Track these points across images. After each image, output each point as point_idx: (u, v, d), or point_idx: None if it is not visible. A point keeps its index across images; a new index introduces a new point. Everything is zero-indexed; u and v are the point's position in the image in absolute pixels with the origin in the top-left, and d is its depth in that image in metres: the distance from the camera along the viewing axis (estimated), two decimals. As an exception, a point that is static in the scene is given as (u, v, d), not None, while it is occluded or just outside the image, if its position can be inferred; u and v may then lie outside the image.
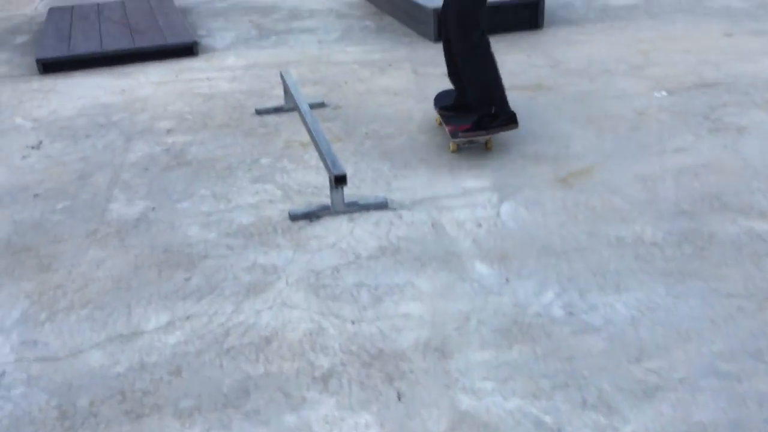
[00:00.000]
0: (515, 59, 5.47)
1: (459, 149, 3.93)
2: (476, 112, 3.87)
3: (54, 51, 5.96)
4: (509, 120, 3.83)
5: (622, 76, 4.92)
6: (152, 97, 5.09)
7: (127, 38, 6.29)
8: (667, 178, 3.46)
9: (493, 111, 3.85)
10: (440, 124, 4.23)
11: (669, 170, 3.55)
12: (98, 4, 7.74)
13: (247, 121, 4.55)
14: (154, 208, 3.47)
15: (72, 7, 7.63)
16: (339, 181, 3.13)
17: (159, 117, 4.69)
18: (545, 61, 5.40)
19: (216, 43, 6.51)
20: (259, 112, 4.67)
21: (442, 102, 4.28)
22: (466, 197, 3.41)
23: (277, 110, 4.69)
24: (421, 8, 6.25)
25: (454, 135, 3.84)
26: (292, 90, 4.22)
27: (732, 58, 5.16)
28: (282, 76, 4.59)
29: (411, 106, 4.66)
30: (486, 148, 3.93)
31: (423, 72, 5.34)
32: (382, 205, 3.35)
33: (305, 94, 4.93)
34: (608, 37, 5.98)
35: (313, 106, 4.71)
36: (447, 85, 5.02)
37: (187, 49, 6.10)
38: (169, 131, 4.43)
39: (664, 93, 4.54)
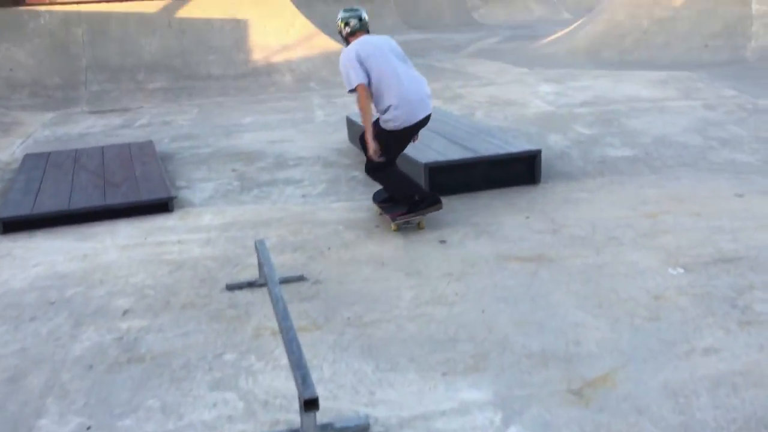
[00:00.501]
0: (513, 222, 5.06)
1: (400, 229, 5.05)
2: (405, 202, 5.02)
3: (17, 209, 5.55)
4: (433, 202, 5.00)
5: (631, 247, 4.49)
6: (115, 265, 4.61)
7: (99, 193, 5.90)
8: (702, 393, 2.93)
9: (416, 198, 5.00)
10: (381, 214, 5.32)
11: (702, 380, 3.02)
12: (77, 150, 7.43)
13: (215, 299, 4.06)
14: (89, 428, 2.90)
15: (49, 154, 7.32)
16: (310, 405, 2.59)
17: (117, 292, 4.19)
18: (545, 224, 4.99)
19: (194, 196, 6.13)
20: (230, 288, 4.19)
21: (379, 197, 5.37)
22: (464, 417, 2.86)
23: (250, 285, 4.20)
24: (411, 161, 5.92)
25: (393, 219, 5.01)
26: (266, 269, 3.75)
27: (749, 225, 4.75)
28: (256, 247, 4.13)
29: (399, 281, 4.18)
30: (419, 228, 5.06)
31: (413, 237, 4.91)
32: (362, 429, 2.80)
33: (283, 264, 4.48)
34: (611, 195, 5.61)
35: (290, 280, 4.24)
36: (441, 250, 4.60)
37: (162, 206, 5.70)
38: (125, 313, 3.92)
39: (680, 270, 4.09)
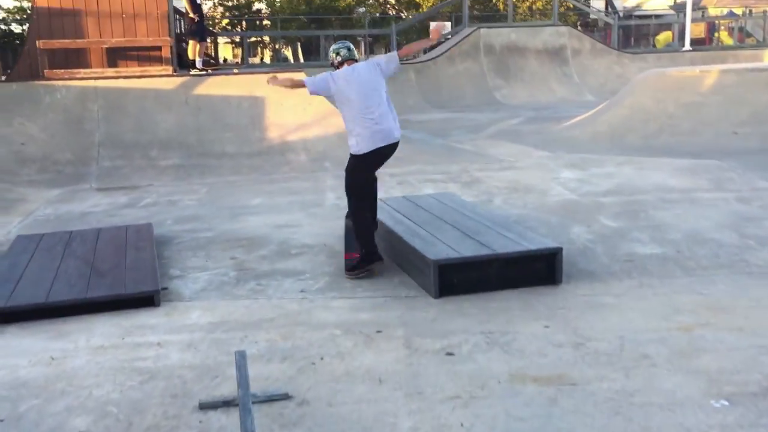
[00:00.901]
0: (530, 331, 4.52)
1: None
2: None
3: (-11, 300, 5.12)
4: (374, 259, 5.77)
5: (666, 369, 3.92)
6: (81, 372, 4.12)
7: (84, 283, 5.47)
8: None
9: (362, 251, 5.72)
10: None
11: None
12: (71, 233, 7.05)
13: (184, 421, 3.54)
14: None
15: (41, 236, 6.95)
16: None
17: (77, 408, 3.69)
18: (567, 335, 4.45)
19: (186, 288, 5.68)
20: (203, 407, 3.67)
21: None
22: None
23: (226, 404, 3.68)
24: (420, 257, 5.45)
25: (347, 270, 5.84)
26: (241, 393, 3.24)
27: (800, 344, 4.18)
28: (236, 361, 3.63)
29: (397, 404, 3.64)
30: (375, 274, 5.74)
31: (417, 345, 4.38)
32: None
33: (268, 376, 3.97)
34: (640, 301, 5.07)
35: (273, 399, 3.72)
36: (447, 365, 4.07)
37: (148, 300, 5.25)
38: (79, 437, 3.42)
39: (724, 402, 3.51)
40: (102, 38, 13.89)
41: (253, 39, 46.22)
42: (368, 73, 5.73)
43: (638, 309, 4.90)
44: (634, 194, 8.33)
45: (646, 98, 13.42)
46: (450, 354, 4.24)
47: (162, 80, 12.80)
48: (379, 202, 6.55)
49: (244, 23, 44.01)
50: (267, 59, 48.66)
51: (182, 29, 15.89)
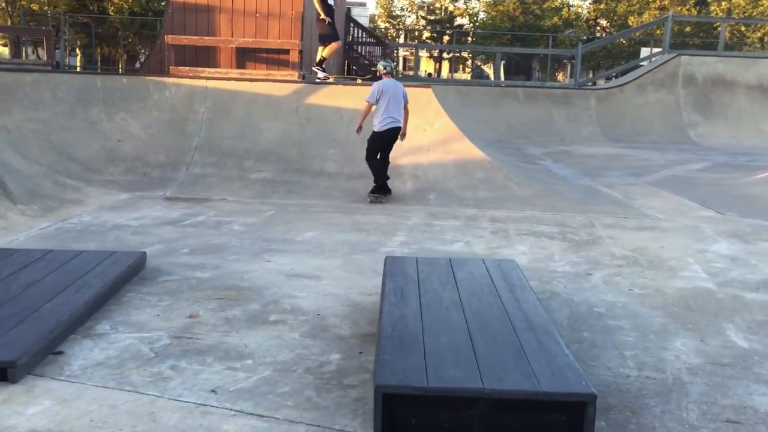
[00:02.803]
0: None
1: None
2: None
3: None
4: (383, 191, 9.56)
5: None
6: None
7: (-41, 330, 4.23)
8: None
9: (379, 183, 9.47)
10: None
11: None
12: (47, 252, 5.95)
13: None
14: None
15: (15, 252, 5.92)
16: None
17: None
18: None
19: (83, 357, 4.26)
20: None
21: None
22: None
23: None
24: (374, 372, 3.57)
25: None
26: None
27: None
28: None
29: None
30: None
31: None
32: None
33: None
34: None
35: None
36: None
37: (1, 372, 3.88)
38: None
39: None
40: (232, 37, 13.15)
41: (450, 54, 45.19)
42: (399, 90, 9.53)
43: None
44: (803, 295, 5.73)
45: None
46: None
47: (276, 85, 11.73)
48: (407, 259, 4.87)
49: (445, 37, 43.09)
50: (467, 75, 47.42)
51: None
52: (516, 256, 6.64)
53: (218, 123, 11.28)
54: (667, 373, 4.24)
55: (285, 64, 13.15)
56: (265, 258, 6.56)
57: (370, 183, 10.34)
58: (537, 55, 39.50)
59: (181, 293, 5.48)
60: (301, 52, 13.08)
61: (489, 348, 3.76)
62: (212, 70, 12.79)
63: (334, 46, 12.30)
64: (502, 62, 40.09)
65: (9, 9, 28.39)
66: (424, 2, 47.69)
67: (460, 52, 45.94)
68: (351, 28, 21.55)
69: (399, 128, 9.44)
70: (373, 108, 9.38)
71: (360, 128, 9.49)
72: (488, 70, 49.61)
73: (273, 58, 13.28)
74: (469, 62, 47.36)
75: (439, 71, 51.79)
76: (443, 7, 46.67)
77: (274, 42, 13.07)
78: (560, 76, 45.38)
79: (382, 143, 9.45)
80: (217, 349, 4.45)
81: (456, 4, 46.76)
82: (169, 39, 12.78)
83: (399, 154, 10.96)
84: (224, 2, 13.13)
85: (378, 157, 9.50)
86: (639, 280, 6.12)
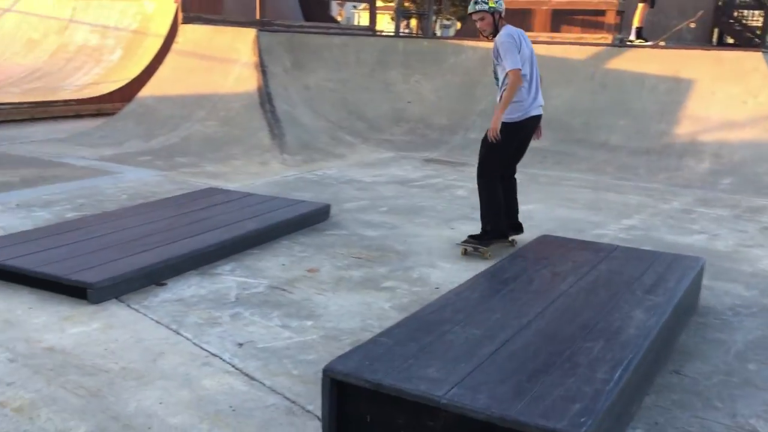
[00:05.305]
0: None
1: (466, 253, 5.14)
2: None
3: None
4: (499, 236, 5.28)
5: None
6: None
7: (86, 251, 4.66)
8: None
9: (488, 228, 5.23)
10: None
11: None
12: (248, 195, 6.28)
13: None
14: None
15: (179, 197, 6.36)
16: None
17: None
18: None
19: (162, 294, 4.35)
20: None
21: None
22: None
23: None
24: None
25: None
26: None
27: None
28: None
29: None
30: (483, 257, 5.06)
31: None
32: None
33: None
34: None
35: None
36: None
37: (81, 290, 4.12)
38: None
39: None
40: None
41: None
42: (531, 48, 5.35)
43: None
44: None
45: None
46: None
47: (574, 48, 10.74)
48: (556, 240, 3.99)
49: None
50: None
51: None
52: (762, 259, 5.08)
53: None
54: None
55: (600, 26, 11.97)
56: (451, 225, 6.02)
57: (656, 158, 8.91)
58: None
59: (330, 248, 5.30)
60: (621, 13, 11.78)
61: (510, 353, 2.84)
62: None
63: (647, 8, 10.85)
64: None
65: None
66: None
67: None
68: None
69: (541, 116, 5.24)
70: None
71: (498, 127, 4.96)
72: None
73: (588, 20, 12.18)
74: None
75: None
76: None
77: (590, 2, 11.97)
78: None
79: (515, 143, 5.16)
80: (294, 305, 4.17)
81: None
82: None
83: (702, 129, 9.23)
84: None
85: (499, 173, 5.25)
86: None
